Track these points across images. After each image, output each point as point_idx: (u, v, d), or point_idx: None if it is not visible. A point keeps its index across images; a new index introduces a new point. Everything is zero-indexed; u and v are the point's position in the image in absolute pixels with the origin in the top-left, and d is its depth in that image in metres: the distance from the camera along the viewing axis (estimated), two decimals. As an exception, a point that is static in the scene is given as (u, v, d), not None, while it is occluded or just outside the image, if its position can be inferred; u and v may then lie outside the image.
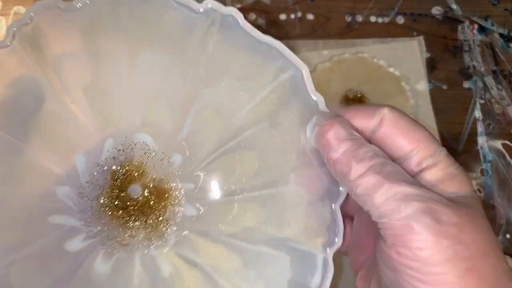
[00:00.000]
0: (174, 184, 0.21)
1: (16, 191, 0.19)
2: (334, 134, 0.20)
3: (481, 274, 0.18)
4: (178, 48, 0.21)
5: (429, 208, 0.18)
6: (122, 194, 0.21)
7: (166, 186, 0.21)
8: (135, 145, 0.21)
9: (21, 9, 0.48)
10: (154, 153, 0.21)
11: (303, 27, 0.48)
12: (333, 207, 0.21)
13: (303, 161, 0.21)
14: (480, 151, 0.44)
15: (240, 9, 0.48)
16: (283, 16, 0.48)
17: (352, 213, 0.25)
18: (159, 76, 0.21)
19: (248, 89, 0.21)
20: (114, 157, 0.21)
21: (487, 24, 0.49)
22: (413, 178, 0.20)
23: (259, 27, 0.47)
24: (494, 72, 0.47)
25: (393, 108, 0.22)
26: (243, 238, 0.21)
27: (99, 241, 0.21)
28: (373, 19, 0.49)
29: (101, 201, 0.21)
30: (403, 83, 0.45)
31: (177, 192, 0.21)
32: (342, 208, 0.22)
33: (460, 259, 0.18)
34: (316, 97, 0.21)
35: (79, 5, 0.19)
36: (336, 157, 0.20)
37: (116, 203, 0.20)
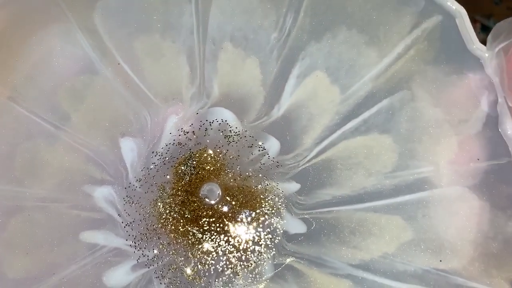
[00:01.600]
0: (269, 184, 0.14)
1: (37, 195, 0.14)
2: None
3: None
4: None
5: None
6: (191, 199, 0.14)
7: (256, 187, 0.14)
8: (210, 125, 0.14)
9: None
10: (238, 137, 0.14)
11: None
12: None
13: (468, 146, 0.15)
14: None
15: None
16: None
17: None
18: (243, 27, 0.15)
19: (376, 43, 0.15)
20: (179, 143, 0.14)
21: (489, 23, 0.49)
22: None
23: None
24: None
25: None
26: (381, 270, 0.14)
27: (156, 271, 0.14)
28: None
29: (160, 209, 0.14)
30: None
31: (274, 197, 0.14)
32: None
33: None
34: (481, 51, 0.15)
35: None
36: None
37: (182, 212, 0.14)
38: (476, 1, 0.50)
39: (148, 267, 0.13)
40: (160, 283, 0.13)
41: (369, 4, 0.15)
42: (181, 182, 0.14)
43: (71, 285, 0.13)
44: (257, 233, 0.14)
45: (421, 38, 0.15)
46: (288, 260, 0.14)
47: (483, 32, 0.49)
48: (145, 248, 0.13)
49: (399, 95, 0.15)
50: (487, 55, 0.16)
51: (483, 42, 0.50)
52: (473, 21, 0.50)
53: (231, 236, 0.14)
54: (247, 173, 0.14)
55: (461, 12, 0.16)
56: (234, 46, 0.15)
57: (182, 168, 0.14)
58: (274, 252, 0.14)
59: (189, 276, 0.13)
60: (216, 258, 0.13)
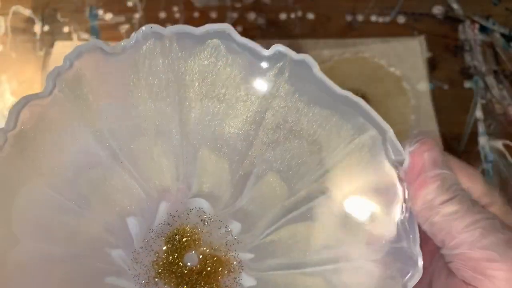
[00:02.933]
0: (232, 254, 0.20)
1: (71, 251, 0.18)
2: (432, 156, 0.19)
3: None
4: (238, 103, 0.19)
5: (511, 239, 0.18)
6: (177, 261, 0.19)
7: (223, 255, 0.20)
8: (190, 211, 0.20)
9: (20, 9, 0.48)
10: (211, 220, 0.20)
11: (304, 26, 0.48)
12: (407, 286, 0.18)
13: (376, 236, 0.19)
14: (481, 151, 0.44)
15: (241, 9, 0.48)
16: (283, 16, 0.48)
17: None
18: (217, 137, 0.19)
19: (318, 153, 0.19)
20: (168, 223, 0.20)
21: (488, 24, 0.49)
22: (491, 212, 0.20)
23: (259, 27, 0.47)
24: (495, 72, 0.47)
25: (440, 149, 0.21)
26: None
27: None
28: (373, 18, 0.49)
29: (156, 267, 0.19)
30: (404, 83, 0.45)
31: (234, 262, 0.19)
32: None
33: None
34: (403, 162, 0.18)
35: (123, 44, 0.17)
36: (427, 181, 0.19)
37: (171, 269, 0.19)
38: (474, 1, 0.50)
39: None
40: None
41: (316, 119, 0.19)
42: (170, 250, 0.20)
43: None
44: (223, 286, 0.20)
45: (357, 149, 0.19)
46: None
47: (481, 32, 0.48)
48: None
49: (327, 196, 0.19)
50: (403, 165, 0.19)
51: (483, 42, 0.49)
52: (472, 22, 0.50)
53: (205, 287, 0.19)
54: (217, 246, 0.20)
55: (390, 129, 0.20)
56: (209, 151, 0.20)
57: (170, 240, 0.20)
58: None
59: None
60: None
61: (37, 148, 0.17)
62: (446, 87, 0.46)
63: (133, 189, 0.19)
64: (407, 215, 0.19)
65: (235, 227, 0.20)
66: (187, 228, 0.20)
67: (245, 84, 0.18)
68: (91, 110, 0.18)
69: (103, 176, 0.19)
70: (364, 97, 0.44)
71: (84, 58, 0.17)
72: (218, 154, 0.20)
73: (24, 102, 0.16)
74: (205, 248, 0.20)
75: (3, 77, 0.45)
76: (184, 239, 0.19)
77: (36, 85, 0.45)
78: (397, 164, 0.19)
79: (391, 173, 0.18)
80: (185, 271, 0.19)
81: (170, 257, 0.19)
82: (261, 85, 0.18)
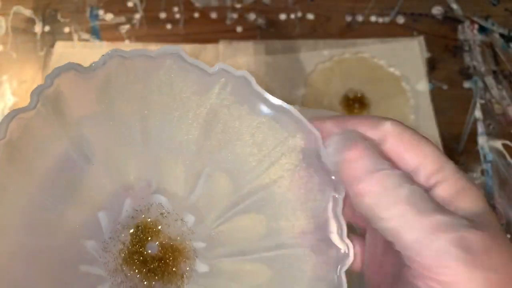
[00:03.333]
0: (188, 243, 0.23)
1: (50, 244, 0.21)
2: (363, 165, 0.19)
3: None
4: (190, 112, 0.22)
5: (459, 239, 0.18)
6: (141, 250, 0.22)
7: (180, 244, 0.23)
8: (151, 206, 0.23)
9: (21, 9, 0.48)
10: (168, 213, 0.23)
11: (303, 27, 0.48)
12: (338, 273, 0.21)
13: (314, 225, 0.22)
14: (481, 151, 0.44)
15: (241, 9, 0.48)
16: (283, 16, 0.48)
17: (362, 224, 0.24)
18: (173, 141, 0.23)
19: (257, 154, 0.22)
20: (132, 217, 0.23)
21: (487, 24, 0.49)
22: (438, 204, 0.19)
23: (259, 27, 0.48)
24: (494, 72, 0.47)
25: (396, 121, 0.21)
26: None
27: None
28: (373, 19, 0.49)
29: (123, 255, 0.22)
30: (403, 83, 0.45)
31: (190, 251, 0.23)
32: (350, 219, 0.22)
33: (492, 286, 0.18)
34: (329, 163, 0.21)
35: (93, 65, 0.21)
36: (365, 190, 0.19)
37: (135, 257, 0.22)
38: (473, 2, 0.50)
39: (118, 287, 0.22)
40: None
41: (255, 126, 0.22)
42: (134, 240, 0.22)
43: None
44: (180, 271, 0.23)
45: (290, 150, 0.22)
46: None
47: (480, 33, 0.49)
48: (115, 276, 0.22)
49: (270, 189, 0.22)
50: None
51: (482, 43, 0.49)
52: (471, 22, 0.50)
53: (164, 272, 0.22)
54: (175, 236, 0.23)
55: (318, 134, 0.21)
56: (166, 154, 0.23)
57: (134, 231, 0.23)
58: (189, 283, 0.23)
59: None
60: (157, 283, 0.22)
61: (23, 153, 0.20)
62: (445, 87, 0.46)
63: (103, 188, 0.22)
64: (337, 206, 0.21)
65: (190, 219, 0.23)
66: (149, 221, 0.23)
67: (195, 96, 0.22)
68: (68, 121, 0.21)
69: (78, 177, 0.22)
70: (363, 96, 0.44)
71: (62, 77, 0.20)
72: (174, 156, 0.23)
73: (12, 115, 0.19)
74: (164, 239, 0.23)
75: (4, 77, 0.45)
76: (146, 230, 0.23)
77: (36, 85, 0.45)
78: (330, 166, 0.21)
79: (324, 170, 0.21)
80: (148, 259, 0.22)
81: (134, 247, 0.22)
82: (208, 96, 0.22)
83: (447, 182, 0.20)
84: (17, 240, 0.20)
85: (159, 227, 0.22)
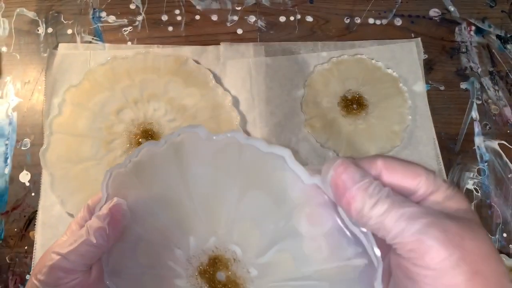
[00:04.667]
0: (247, 286, 0.28)
1: (152, 263, 0.28)
2: (349, 176, 0.23)
3: (486, 276, 0.21)
4: (280, 198, 0.26)
5: (434, 221, 0.21)
6: (212, 273, 0.28)
7: (241, 284, 0.28)
8: (228, 249, 0.28)
9: (24, 11, 0.49)
10: (239, 261, 0.28)
11: (302, 29, 0.48)
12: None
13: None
14: (477, 151, 0.45)
15: (241, 11, 0.49)
16: (282, 18, 0.49)
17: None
18: (260, 213, 0.27)
19: (323, 251, 0.26)
20: (213, 250, 0.28)
21: (484, 26, 0.50)
22: (417, 203, 0.23)
23: (259, 29, 0.48)
24: (491, 73, 0.48)
25: (384, 156, 0.24)
26: None
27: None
28: (371, 21, 0.49)
29: (199, 269, 0.28)
30: (401, 84, 0.45)
31: (247, 282, 0.28)
32: None
33: (466, 264, 0.20)
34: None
35: (214, 138, 0.26)
36: (352, 196, 0.23)
37: (207, 275, 0.28)
38: (470, 4, 0.51)
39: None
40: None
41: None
42: (210, 264, 0.28)
43: None
44: None
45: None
46: None
47: (477, 34, 0.49)
48: (190, 279, 0.28)
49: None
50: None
51: (479, 44, 0.50)
52: (468, 24, 0.50)
53: None
54: (239, 279, 0.28)
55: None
56: (252, 221, 0.28)
57: (212, 258, 0.28)
58: None
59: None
60: None
61: (146, 172, 0.26)
62: (442, 88, 0.47)
63: (199, 221, 0.28)
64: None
65: (253, 272, 0.28)
66: (225, 257, 0.28)
67: (292, 193, 0.26)
68: (183, 165, 0.27)
69: (181, 210, 0.27)
70: (361, 97, 0.45)
71: (186, 135, 0.26)
72: (257, 226, 0.27)
73: (146, 145, 0.26)
74: (231, 274, 0.28)
75: (7, 78, 0.46)
76: (220, 262, 0.28)
77: (40, 86, 0.45)
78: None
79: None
80: (215, 281, 0.28)
81: (209, 268, 0.28)
82: (301, 200, 0.26)
83: (438, 192, 0.23)
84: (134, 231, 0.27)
85: (230, 266, 0.28)
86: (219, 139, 0.26)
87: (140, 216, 0.27)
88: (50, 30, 0.48)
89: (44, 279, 0.25)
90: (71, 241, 0.26)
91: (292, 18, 0.49)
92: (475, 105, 0.46)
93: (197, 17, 0.49)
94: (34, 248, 0.40)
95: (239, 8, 0.49)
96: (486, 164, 0.45)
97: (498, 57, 0.48)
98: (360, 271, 0.25)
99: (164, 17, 0.48)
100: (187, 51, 0.46)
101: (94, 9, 0.49)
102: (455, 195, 0.23)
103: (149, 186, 0.27)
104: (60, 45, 0.47)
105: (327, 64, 0.46)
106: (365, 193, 0.23)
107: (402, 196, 0.23)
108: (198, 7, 0.49)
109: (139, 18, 0.48)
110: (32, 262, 0.40)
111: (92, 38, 0.47)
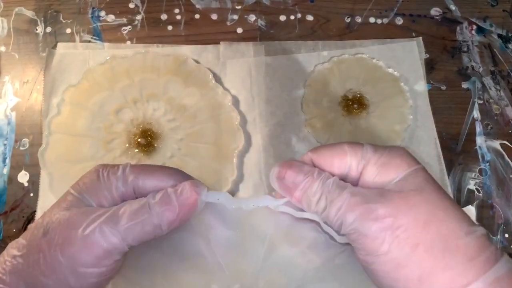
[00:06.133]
0: None
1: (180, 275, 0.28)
2: (289, 179, 0.25)
3: (429, 243, 0.21)
4: (307, 259, 0.27)
5: (366, 210, 0.22)
6: None
7: None
8: None
9: (23, 10, 0.48)
10: None
11: (303, 28, 0.48)
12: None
13: None
14: (479, 151, 0.45)
15: (241, 10, 0.49)
16: (283, 17, 0.49)
17: None
18: (283, 270, 0.28)
19: None
20: None
21: (485, 25, 0.49)
22: (352, 186, 0.24)
23: (259, 29, 0.48)
24: (492, 72, 0.48)
25: (313, 148, 0.26)
26: None
27: None
28: (372, 20, 0.49)
29: None
30: (402, 84, 0.45)
31: None
32: None
33: (402, 241, 0.22)
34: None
35: (239, 208, 0.27)
36: (299, 196, 0.25)
37: None
38: (472, 3, 0.50)
39: None
40: None
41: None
42: None
43: None
44: None
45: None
46: None
47: (478, 34, 0.49)
48: None
49: None
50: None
51: (480, 43, 0.49)
52: (469, 23, 0.50)
53: None
54: None
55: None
56: (266, 280, 0.29)
57: None
58: None
59: None
60: None
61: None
62: (443, 87, 0.47)
63: (220, 275, 0.28)
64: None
65: None
66: None
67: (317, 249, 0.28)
68: (206, 228, 0.28)
69: (202, 262, 0.28)
70: (362, 97, 0.44)
71: (207, 205, 0.27)
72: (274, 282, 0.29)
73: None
74: None
75: (6, 78, 0.46)
76: None
77: (38, 86, 0.45)
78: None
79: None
80: None
81: None
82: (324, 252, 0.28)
83: (370, 164, 0.24)
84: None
85: None
86: (243, 211, 0.27)
87: (160, 266, 0.28)
88: (49, 29, 0.47)
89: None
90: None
91: (292, 17, 0.49)
92: (476, 105, 0.46)
93: (197, 16, 0.48)
94: (32, 249, 0.39)
95: (239, 7, 0.49)
96: (488, 164, 0.44)
97: (500, 57, 0.48)
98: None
99: (164, 16, 0.48)
100: (187, 51, 0.46)
101: (93, 8, 0.48)
102: (390, 160, 0.24)
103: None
104: (59, 44, 0.46)
105: (328, 64, 0.46)
106: (306, 194, 0.24)
107: (342, 182, 0.24)
108: (197, 6, 0.49)
109: (139, 17, 0.48)
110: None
111: (91, 38, 0.47)
